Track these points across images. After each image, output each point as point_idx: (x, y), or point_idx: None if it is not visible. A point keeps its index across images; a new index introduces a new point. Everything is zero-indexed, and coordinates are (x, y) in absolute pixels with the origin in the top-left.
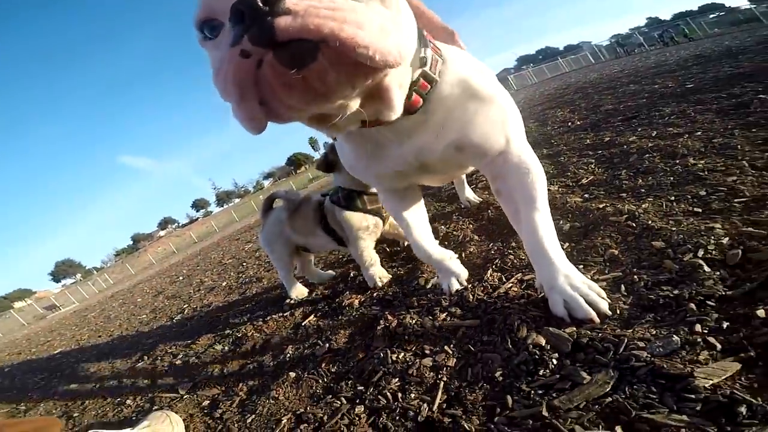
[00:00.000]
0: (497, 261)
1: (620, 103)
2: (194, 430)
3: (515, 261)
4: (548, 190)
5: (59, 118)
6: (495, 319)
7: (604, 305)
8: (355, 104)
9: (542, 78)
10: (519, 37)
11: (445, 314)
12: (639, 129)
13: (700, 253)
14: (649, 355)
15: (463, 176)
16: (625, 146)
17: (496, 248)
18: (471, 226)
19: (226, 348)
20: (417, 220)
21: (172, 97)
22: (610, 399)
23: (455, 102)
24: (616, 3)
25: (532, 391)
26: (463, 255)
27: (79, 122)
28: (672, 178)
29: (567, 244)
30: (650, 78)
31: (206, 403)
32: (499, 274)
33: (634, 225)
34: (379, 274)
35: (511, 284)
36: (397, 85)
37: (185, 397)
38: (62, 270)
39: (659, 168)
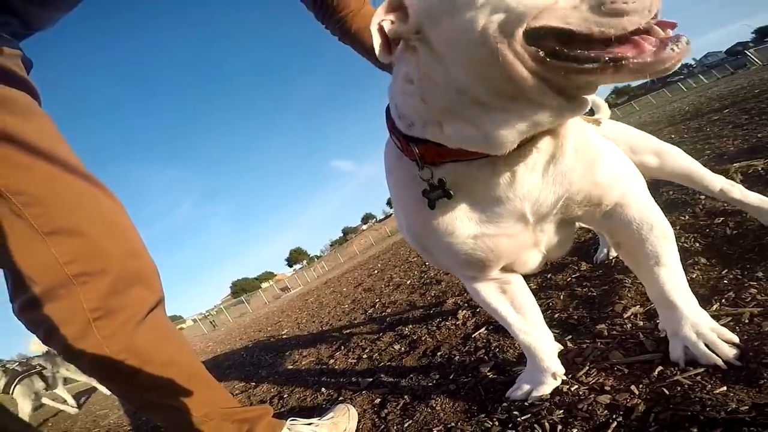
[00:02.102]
0: (730, 294)
1: None
2: (363, 425)
3: (758, 296)
4: None
5: (284, 131)
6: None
7: (729, 352)
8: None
9: None
10: (749, 6)
11: (640, 350)
12: None
13: None
14: None
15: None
16: None
17: (731, 277)
18: (698, 244)
19: (403, 349)
20: (531, 319)
21: (369, 105)
22: None
23: (564, 145)
24: None
25: None
26: None
27: (300, 135)
28: None
29: None
30: None
31: (377, 401)
32: (730, 309)
33: None
34: None
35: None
36: None
37: (363, 392)
38: (294, 256)
39: None
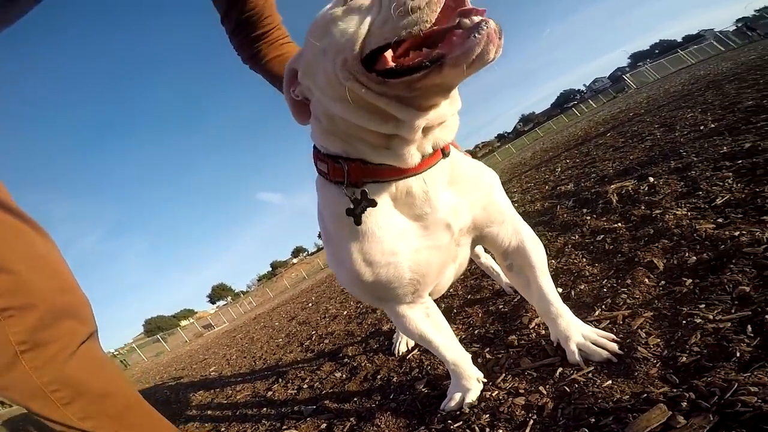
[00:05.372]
0: (608, 300)
1: (764, 98)
2: None
3: (628, 300)
4: (675, 214)
5: (206, 162)
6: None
7: (614, 346)
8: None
9: (665, 73)
10: (625, 34)
11: (544, 355)
12: None
13: None
14: (759, 401)
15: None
16: None
17: (609, 286)
18: (585, 260)
19: (344, 376)
20: (449, 338)
21: (297, 135)
22: None
23: (463, 167)
24: None
25: None
26: (572, 293)
27: (224, 165)
28: None
29: (690, 280)
30: None
31: (324, 426)
32: (608, 313)
33: None
34: None
35: (616, 324)
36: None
37: (308, 419)
38: (217, 293)
39: None
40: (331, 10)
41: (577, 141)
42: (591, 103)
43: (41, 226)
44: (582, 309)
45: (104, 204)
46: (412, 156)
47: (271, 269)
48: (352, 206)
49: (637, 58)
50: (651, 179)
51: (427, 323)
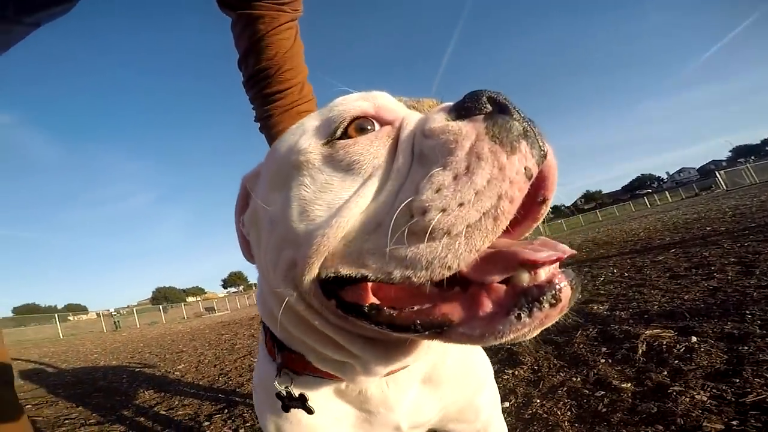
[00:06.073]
0: None
1: None
2: None
3: None
4: (692, 397)
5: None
6: None
7: None
8: None
9: (765, 177)
10: (736, 122)
11: None
12: None
13: None
14: None
15: None
16: None
17: None
18: (569, 413)
19: None
20: None
21: None
22: None
23: (449, 366)
24: None
25: None
26: None
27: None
28: None
29: None
30: None
31: None
32: None
33: None
34: None
35: None
36: None
37: None
38: (232, 279)
39: None
40: (307, 143)
41: (635, 245)
42: (667, 195)
43: None
44: None
45: (167, 170)
46: (369, 379)
47: None
48: (283, 393)
49: (740, 152)
50: (694, 339)
51: None
